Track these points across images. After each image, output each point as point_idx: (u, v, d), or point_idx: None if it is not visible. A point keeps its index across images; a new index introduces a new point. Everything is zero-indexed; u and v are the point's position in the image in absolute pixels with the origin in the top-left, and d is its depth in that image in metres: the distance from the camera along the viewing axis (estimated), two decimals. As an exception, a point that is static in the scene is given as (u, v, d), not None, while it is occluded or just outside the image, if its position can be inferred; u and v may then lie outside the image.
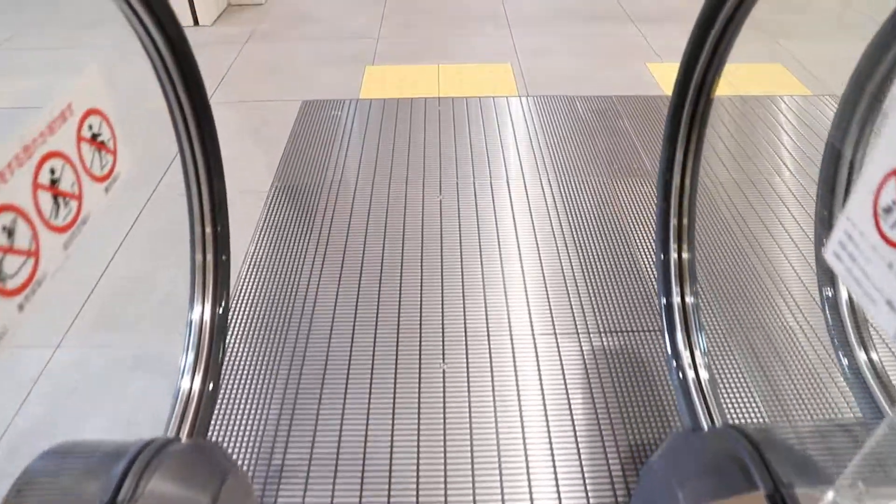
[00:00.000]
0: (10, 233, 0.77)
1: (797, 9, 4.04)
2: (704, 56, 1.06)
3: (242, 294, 1.95)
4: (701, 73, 1.08)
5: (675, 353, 1.18)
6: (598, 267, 2.05)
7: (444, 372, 1.72)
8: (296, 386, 1.68)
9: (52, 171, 0.86)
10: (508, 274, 2.02)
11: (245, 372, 1.71)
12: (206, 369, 1.12)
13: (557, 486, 1.45)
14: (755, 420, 1.51)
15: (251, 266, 2.05)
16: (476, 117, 2.88)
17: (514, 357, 1.76)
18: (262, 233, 2.19)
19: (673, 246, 1.18)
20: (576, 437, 1.56)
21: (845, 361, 1.21)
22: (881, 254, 0.68)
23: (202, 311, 1.14)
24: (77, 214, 0.92)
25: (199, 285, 1.16)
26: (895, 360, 1.68)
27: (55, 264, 0.86)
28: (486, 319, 1.86)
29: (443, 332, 1.83)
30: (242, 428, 1.57)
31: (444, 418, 1.61)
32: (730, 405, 1.58)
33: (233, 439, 1.54)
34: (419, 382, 1.70)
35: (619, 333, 1.83)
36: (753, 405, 1.57)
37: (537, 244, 2.13)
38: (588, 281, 1.99)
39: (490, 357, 1.76)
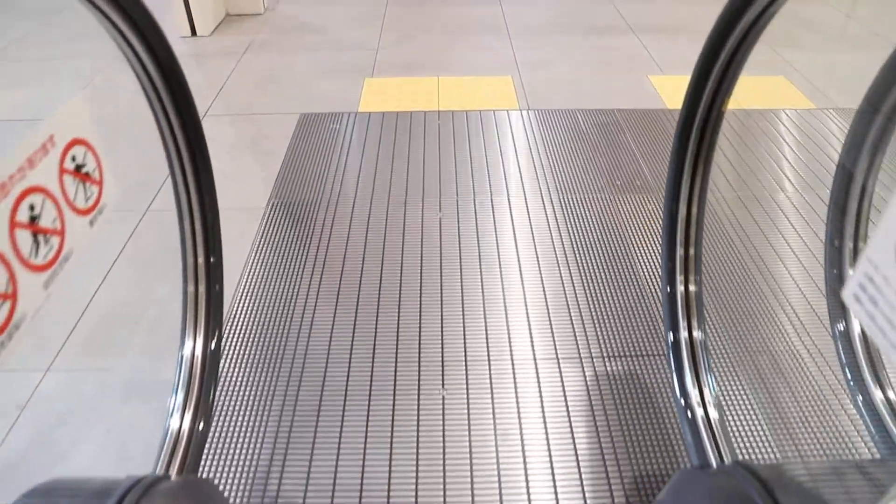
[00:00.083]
0: (-16, 276, 0.72)
1: (800, 21, 4.01)
2: (709, 89, 1.02)
3: (237, 317, 1.90)
4: (706, 106, 1.04)
5: (684, 392, 1.13)
6: (601, 288, 2.00)
7: (443, 398, 1.68)
8: (291, 414, 1.63)
9: (32, 208, 0.82)
10: (509, 296, 1.98)
11: (238, 399, 1.67)
12: (197, 408, 1.07)
13: (560, 521, 1.40)
14: (765, 456, 1.46)
15: (246, 287, 2.00)
16: (476, 131, 2.84)
17: (515, 383, 1.71)
18: (258, 253, 2.15)
19: (679, 278, 1.14)
20: (579, 467, 1.51)
21: (860, 399, 1.17)
22: (904, 298, 0.65)
23: (193, 346, 1.10)
24: (59, 251, 0.87)
25: (191, 318, 1.11)
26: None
27: (35, 305, 0.82)
28: (487, 343, 1.82)
29: (442, 357, 1.78)
30: (235, 461, 1.52)
31: (444, 446, 1.56)
32: (739, 438, 1.53)
33: (225, 473, 1.49)
34: (418, 409, 1.65)
35: (623, 358, 1.78)
36: (763, 439, 1.52)
37: (539, 265, 2.09)
38: (591, 303, 1.95)
39: (490, 383, 1.72)
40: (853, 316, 1.15)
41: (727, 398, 1.65)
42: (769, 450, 1.48)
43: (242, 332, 1.85)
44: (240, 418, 1.61)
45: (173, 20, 3.83)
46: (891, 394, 1.15)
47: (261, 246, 2.17)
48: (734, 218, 2.30)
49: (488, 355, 1.79)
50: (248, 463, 1.51)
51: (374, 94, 3.20)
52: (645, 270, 2.07)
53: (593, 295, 1.98)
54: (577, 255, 2.12)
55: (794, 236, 2.22)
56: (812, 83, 3.22)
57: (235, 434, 1.57)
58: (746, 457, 1.43)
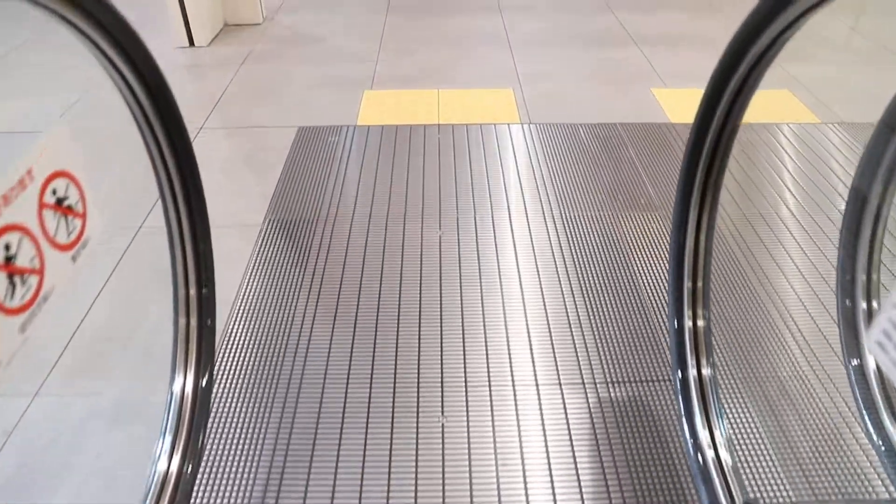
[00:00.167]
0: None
1: (803, 34, 3.97)
2: (717, 121, 0.98)
3: (230, 340, 1.85)
4: (714, 137, 1.00)
5: (693, 433, 1.09)
6: (605, 310, 1.96)
7: (442, 426, 1.63)
8: (286, 442, 1.58)
9: (7, 248, 0.78)
10: (510, 318, 1.93)
11: (231, 426, 1.62)
12: (186, 449, 1.03)
13: (564, 559, 1.35)
14: (778, 496, 1.41)
15: (240, 309, 1.96)
16: (477, 146, 2.80)
17: (516, 410, 1.66)
18: (254, 273, 2.10)
19: (687, 313, 1.09)
20: (582, 497, 1.47)
21: (876, 436, 1.12)
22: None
23: (184, 383, 1.05)
24: (37, 291, 0.83)
25: (182, 352, 1.07)
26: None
27: (10, 349, 0.78)
28: (488, 368, 1.77)
29: (442, 383, 1.74)
30: (226, 495, 1.47)
31: (443, 476, 1.52)
32: (749, 474, 1.48)
33: (216, 506, 1.45)
34: (417, 435, 1.61)
35: (628, 383, 1.74)
36: (774, 475, 1.47)
37: (541, 285, 2.04)
38: (594, 325, 1.90)
39: (491, 409, 1.67)
40: (870, 353, 1.11)
41: (735, 428, 1.60)
42: (782, 488, 1.43)
43: (236, 355, 1.80)
44: (232, 447, 1.56)
45: (171, 30, 3.79)
46: (910, 434, 1.10)
47: (256, 266, 2.13)
48: (739, 237, 2.26)
49: (489, 379, 1.74)
50: (239, 497, 1.46)
51: (373, 106, 3.16)
52: (649, 291, 2.02)
53: (596, 317, 1.93)
54: (580, 276, 2.08)
55: (801, 256, 2.17)
56: (817, 97, 3.18)
57: (227, 464, 1.52)
58: (757, 494, 1.38)
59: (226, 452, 1.55)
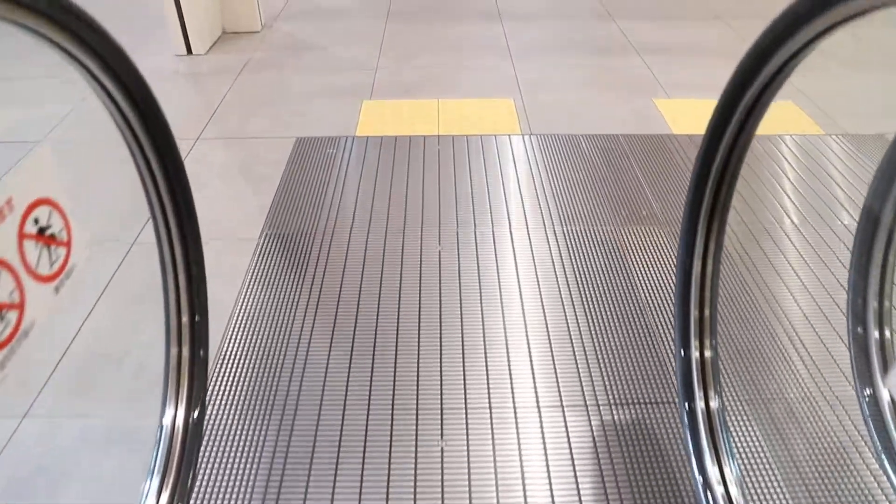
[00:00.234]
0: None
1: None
2: (724, 146, 0.95)
3: (225, 359, 1.81)
4: (721, 162, 0.96)
5: (702, 469, 1.05)
6: (608, 329, 1.91)
7: (442, 450, 1.59)
8: (281, 467, 1.54)
9: (-16, 284, 0.74)
10: (511, 337, 1.89)
11: (225, 447, 1.58)
12: (175, 490, 0.98)
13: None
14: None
15: (235, 328, 1.92)
16: (477, 157, 2.76)
17: (517, 433, 1.62)
18: (249, 289, 2.06)
19: (694, 343, 1.05)
20: (585, 526, 1.43)
21: (893, 473, 1.08)
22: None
23: (174, 416, 1.01)
24: (17, 327, 0.79)
25: (173, 383, 1.03)
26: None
27: (-12, 388, 0.74)
28: (488, 390, 1.73)
29: (441, 404, 1.70)
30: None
31: (443, 501, 1.48)
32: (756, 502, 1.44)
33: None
34: (415, 460, 1.56)
35: (632, 405, 1.70)
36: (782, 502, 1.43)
37: (542, 303, 2.00)
38: (596, 345, 1.86)
39: (492, 433, 1.63)
40: (890, 391, 1.07)
41: (741, 451, 1.56)
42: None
43: (230, 375, 1.76)
44: (224, 473, 1.52)
45: (168, 38, 3.76)
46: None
47: (253, 282, 2.09)
48: (744, 252, 2.22)
49: (490, 403, 1.70)
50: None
51: (372, 116, 3.12)
52: (653, 309, 1.98)
53: (599, 336, 1.89)
54: (582, 293, 2.04)
55: (806, 271, 2.14)
56: (820, 108, 3.15)
57: (219, 491, 1.48)
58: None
59: (217, 479, 1.51)
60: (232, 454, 1.56)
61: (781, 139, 2.89)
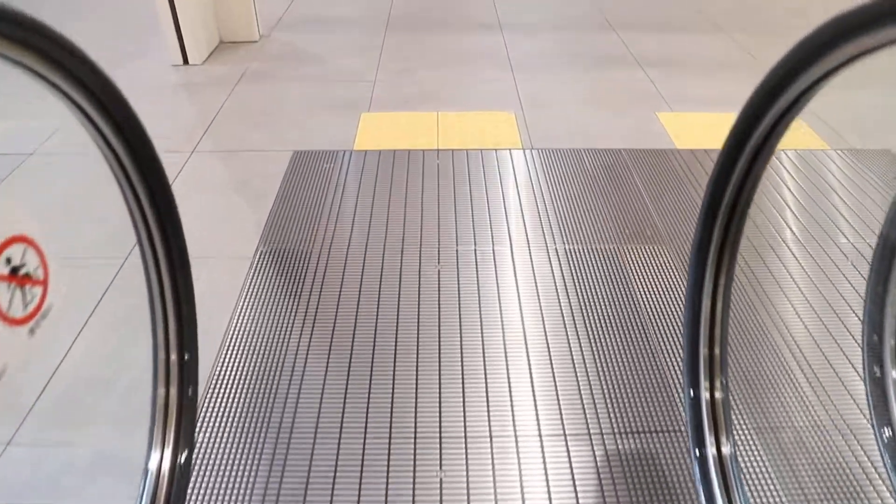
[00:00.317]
0: None
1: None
2: (732, 185, 0.90)
3: (218, 384, 1.76)
4: (731, 200, 0.92)
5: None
6: (612, 353, 1.86)
7: (441, 481, 1.53)
8: (275, 499, 1.48)
9: (-49, 331, 0.69)
10: (512, 362, 1.84)
11: (216, 475, 1.52)
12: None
13: None
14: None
15: (228, 351, 1.86)
16: (477, 172, 2.72)
17: (519, 464, 1.57)
18: (243, 310, 2.01)
19: (704, 384, 1.00)
20: (589, 562, 1.37)
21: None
22: None
23: (160, 461, 0.95)
24: (-13, 373, 0.74)
25: (160, 425, 0.97)
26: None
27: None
28: (489, 417, 1.68)
29: (440, 432, 1.64)
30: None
31: (441, 535, 1.42)
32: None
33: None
34: (413, 493, 1.51)
35: (636, 434, 1.64)
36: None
37: (544, 327, 1.95)
38: (600, 370, 1.81)
39: (493, 463, 1.57)
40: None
41: (751, 486, 1.51)
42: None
43: (222, 403, 1.71)
44: (218, 492, 1.47)
45: (165, 47, 3.72)
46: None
47: (247, 302, 2.03)
48: (749, 271, 2.17)
49: (490, 432, 1.65)
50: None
51: (370, 130, 3.07)
52: (659, 333, 1.93)
53: (603, 361, 1.84)
54: (586, 316, 1.99)
55: (814, 292, 2.09)
56: (826, 122, 3.11)
57: (211, 526, 1.43)
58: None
59: (214, 492, 1.46)
60: (222, 488, 1.50)
61: (786, 154, 2.85)
